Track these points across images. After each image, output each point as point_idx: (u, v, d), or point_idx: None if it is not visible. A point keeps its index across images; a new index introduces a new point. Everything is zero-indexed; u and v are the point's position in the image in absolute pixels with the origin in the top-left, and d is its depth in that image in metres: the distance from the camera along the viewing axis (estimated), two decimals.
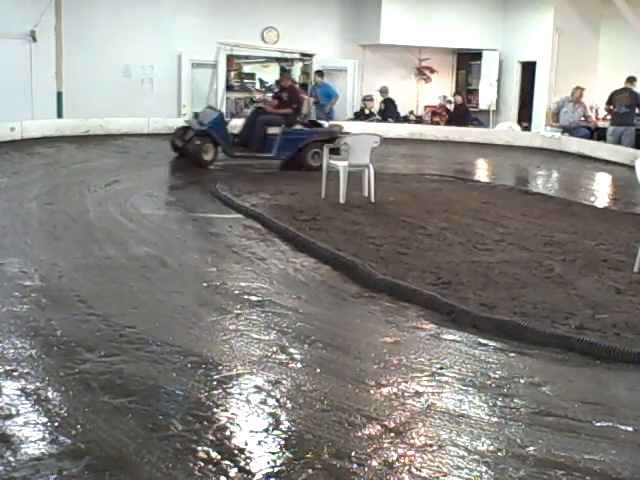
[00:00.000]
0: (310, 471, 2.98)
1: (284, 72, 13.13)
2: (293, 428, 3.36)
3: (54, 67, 15.56)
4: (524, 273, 6.04)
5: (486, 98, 18.38)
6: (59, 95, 15.67)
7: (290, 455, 3.12)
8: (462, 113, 17.65)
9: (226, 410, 3.53)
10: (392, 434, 3.33)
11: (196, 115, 12.21)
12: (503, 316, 4.91)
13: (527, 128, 17.48)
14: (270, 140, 11.59)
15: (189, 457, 3.03)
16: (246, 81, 19.18)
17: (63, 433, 3.14)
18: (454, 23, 17.79)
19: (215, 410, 3.51)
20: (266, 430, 3.32)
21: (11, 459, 2.91)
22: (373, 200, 8.85)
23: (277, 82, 12.83)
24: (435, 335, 4.73)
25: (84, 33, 15.53)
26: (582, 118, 15.85)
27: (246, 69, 19.75)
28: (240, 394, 3.71)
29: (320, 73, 18.18)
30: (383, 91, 18.09)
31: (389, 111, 17.91)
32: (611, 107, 14.58)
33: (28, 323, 4.50)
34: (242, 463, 3.02)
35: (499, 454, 3.21)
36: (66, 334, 4.37)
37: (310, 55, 13.00)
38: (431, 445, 3.25)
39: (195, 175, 10.73)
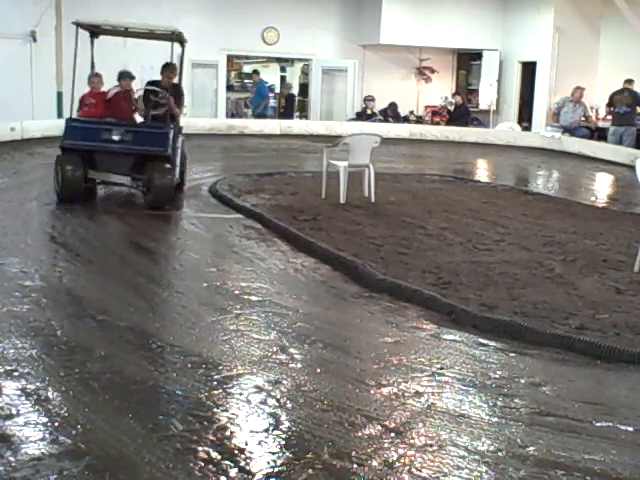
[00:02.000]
0: (310, 471, 2.98)
1: (169, 66, 9.26)
2: (293, 428, 3.36)
3: (54, 67, 15.56)
4: (524, 273, 6.04)
5: (486, 98, 18.39)
6: (59, 95, 15.67)
7: (290, 455, 3.12)
8: (462, 113, 17.67)
9: (226, 410, 3.53)
10: (392, 434, 3.33)
11: (93, 131, 8.44)
12: (503, 316, 4.91)
13: (527, 128, 17.50)
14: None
15: (189, 457, 3.03)
16: (246, 81, 19.28)
17: (63, 433, 3.14)
18: (454, 23, 17.80)
19: (215, 410, 3.51)
20: (266, 430, 3.31)
21: (11, 459, 2.91)
22: (373, 200, 8.85)
23: (152, 82, 9.31)
24: (435, 335, 4.73)
25: (84, 33, 15.53)
26: (582, 118, 15.86)
27: (246, 69, 19.86)
28: (240, 394, 3.71)
29: (256, 72, 18.36)
30: (286, 87, 18.20)
31: (290, 108, 18.03)
32: (611, 108, 14.61)
33: (28, 323, 4.49)
34: (242, 463, 3.01)
35: (499, 454, 3.20)
36: (66, 334, 4.37)
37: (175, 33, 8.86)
38: (431, 445, 3.25)
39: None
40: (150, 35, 9.56)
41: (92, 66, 9.31)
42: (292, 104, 18.20)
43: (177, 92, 9.23)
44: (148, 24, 9.49)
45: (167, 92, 8.96)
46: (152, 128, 8.61)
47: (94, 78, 9.30)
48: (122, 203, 8.56)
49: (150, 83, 9.32)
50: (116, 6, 15.89)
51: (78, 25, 8.74)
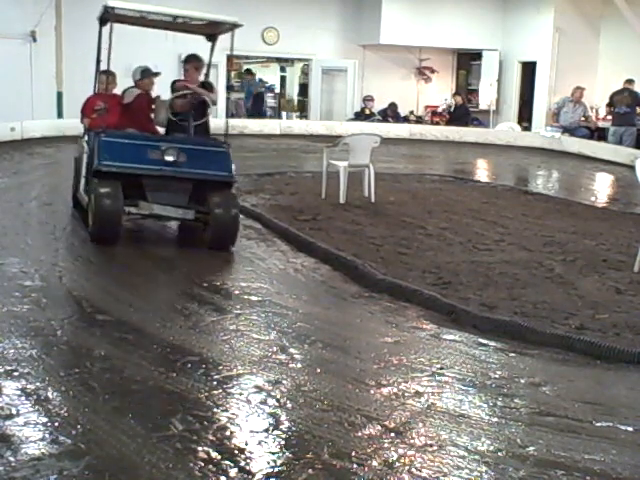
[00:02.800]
0: (310, 471, 2.98)
1: (194, 59, 7.34)
2: (293, 428, 3.36)
3: (54, 67, 15.56)
4: (524, 273, 6.04)
5: (486, 98, 18.39)
6: (59, 95, 15.67)
7: (290, 455, 3.12)
8: (462, 113, 17.67)
9: (226, 410, 3.53)
10: (392, 434, 3.33)
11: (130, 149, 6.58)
12: (503, 316, 4.91)
13: (527, 128, 17.50)
14: None
15: (189, 457, 3.03)
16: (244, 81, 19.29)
17: (63, 433, 3.13)
18: (454, 23, 17.80)
19: (215, 410, 3.51)
20: (266, 430, 3.31)
21: (11, 459, 2.90)
22: (373, 200, 8.85)
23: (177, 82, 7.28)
24: (435, 335, 4.73)
25: (84, 33, 15.51)
26: (582, 118, 15.87)
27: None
28: (240, 394, 3.71)
29: (249, 71, 18.40)
30: (257, 87, 18.36)
31: (258, 106, 18.06)
32: (611, 108, 14.62)
33: (28, 323, 4.49)
34: (242, 463, 3.01)
35: (499, 454, 3.20)
36: (66, 334, 4.37)
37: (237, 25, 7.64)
38: (431, 445, 3.25)
39: None
40: (195, 27, 7.63)
41: (98, 62, 7.52)
42: (261, 102, 18.26)
43: (211, 91, 7.22)
44: (203, 14, 7.51)
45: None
46: (210, 146, 6.87)
47: (105, 76, 7.40)
48: None
49: (175, 84, 7.24)
50: None
51: (107, 10, 6.89)
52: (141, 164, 6.48)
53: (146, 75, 7.45)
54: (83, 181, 7.13)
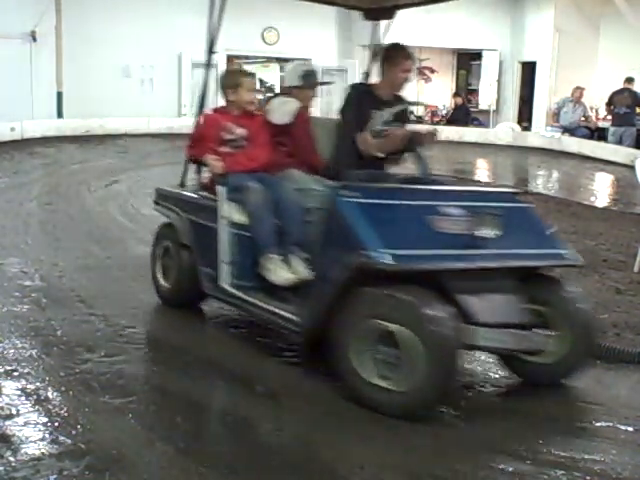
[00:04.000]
0: (310, 471, 2.98)
1: (403, 52, 4.53)
2: (293, 429, 3.36)
3: (54, 67, 15.58)
4: None
5: (486, 98, 18.41)
6: (59, 95, 15.69)
7: (290, 456, 3.12)
8: (462, 113, 17.69)
9: (226, 410, 3.53)
10: (392, 434, 3.32)
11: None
12: None
13: (527, 128, 17.52)
14: None
15: (189, 457, 3.03)
16: None
17: (63, 433, 3.13)
18: (454, 23, 17.81)
19: (215, 410, 3.51)
20: (266, 431, 3.31)
21: (11, 459, 2.90)
22: None
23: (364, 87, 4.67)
24: None
25: (84, 33, 15.56)
26: (582, 118, 15.88)
27: (246, 69, 19.84)
28: (240, 394, 3.71)
29: None
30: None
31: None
32: (611, 108, 14.64)
33: (28, 323, 4.49)
34: (242, 463, 3.01)
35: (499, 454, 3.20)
36: (66, 334, 4.37)
37: None
38: (431, 445, 3.24)
39: None
40: None
41: (211, 52, 5.01)
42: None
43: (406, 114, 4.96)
44: None
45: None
46: (507, 201, 4.10)
47: (243, 79, 4.66)
48: (122, 204, 8.54)
49: (358, 90, 4.57)
50: (115, 5, 15.91)
51: None
52: (445, 248, 3.55)
53: (312, 82, 4.79)
54: (228, 269, 4.34)
